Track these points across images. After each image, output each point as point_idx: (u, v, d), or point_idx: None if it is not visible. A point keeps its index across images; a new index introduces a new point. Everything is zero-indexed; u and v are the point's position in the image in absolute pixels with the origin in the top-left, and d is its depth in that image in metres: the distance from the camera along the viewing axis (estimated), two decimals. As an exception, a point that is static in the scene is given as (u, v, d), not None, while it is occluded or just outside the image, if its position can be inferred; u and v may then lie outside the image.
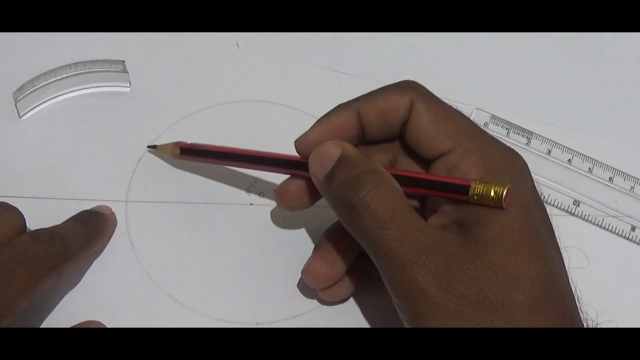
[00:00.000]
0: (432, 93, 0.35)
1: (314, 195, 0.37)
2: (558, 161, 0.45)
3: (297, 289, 0.39)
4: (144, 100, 0.45)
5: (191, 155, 0.41)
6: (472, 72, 0.48)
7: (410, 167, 0.36)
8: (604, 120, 0.47)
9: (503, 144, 0.35)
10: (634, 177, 0.44)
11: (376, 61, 0.48)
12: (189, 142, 0.41)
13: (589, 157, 0.45)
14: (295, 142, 0.36)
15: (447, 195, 0.33)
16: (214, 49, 0.47)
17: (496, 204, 0.31)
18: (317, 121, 0.36)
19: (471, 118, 0.45)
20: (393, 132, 0.35)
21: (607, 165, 0.44)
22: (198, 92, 0.45)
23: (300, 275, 0.38)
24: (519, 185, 0.33)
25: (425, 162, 0.35)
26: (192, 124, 0.44)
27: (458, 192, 0.32)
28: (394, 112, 0.34)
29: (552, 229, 0.34)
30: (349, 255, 0.37)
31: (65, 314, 0.37)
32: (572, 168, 0.45)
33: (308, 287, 0.38)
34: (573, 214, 0.44)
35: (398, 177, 0.33)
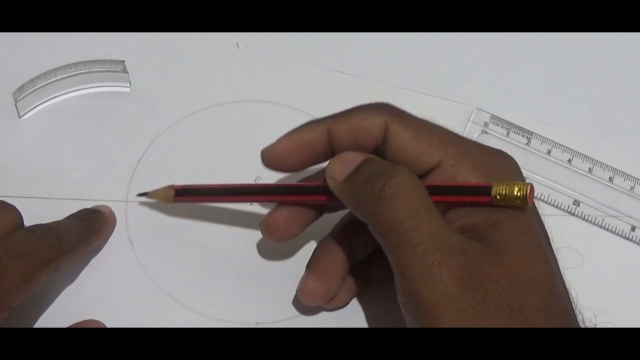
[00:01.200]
0: (406, 112, 0.35)
1: (303, 223, 0.36)
2: (558, 161, 0.45)
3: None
4: (144, 100, 0.45)
5: (187, 196, 0.39)
6: (472, 72, 0.48)
7: None
8: (604, 120, 0.47)
9: (490, 147, 0.34)
10: (634, 177, 0.44)
11: (376, 61, 0.48)
12: (182, 184, 0.39)
13: (589, 157, 0.45)
14: (261, 151, 0.36)
15: (470, 199, 0.32)
16: (214, 49, 0.47)
17: (521, 202, 0.31)
18: (286, 133, 0.35)
19: (471, 118, 0.46)
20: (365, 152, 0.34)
21: (607, 165, 0.44)
22: (198, 92, 0.45)
23: (301, 275, 0.37)
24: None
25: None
26: (192, 124, 0.44)
27: (480, 194, 0.32)
28: (366, 132, 0.34)
29: (546, 230, 0.34)
30: (344, 268, 0.36)
31: (65, 313, 0.37)
32: (572, 168, 0.45)
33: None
34: (573, 214, 0.44)
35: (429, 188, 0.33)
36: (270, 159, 0.35)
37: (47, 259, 0.34)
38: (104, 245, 0.40)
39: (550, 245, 0.34)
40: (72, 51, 0.45)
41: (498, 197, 0.31)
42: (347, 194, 0.33)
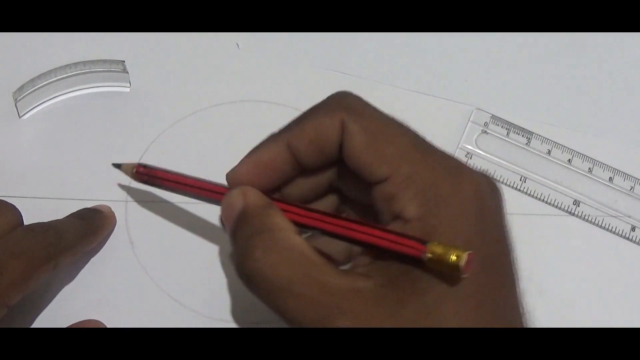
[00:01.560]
0: (366, 106, 0.31)
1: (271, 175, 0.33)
2: (558, 161, 0.45)
3: (297, 289, 0.39)
4: (144, 100, 0.45)
5: (148, 181, 0.37)
6: (472, 72, 0.48)
7: (353, 190, 0.33)
8: (604, 120, 0.47)
9: (453, 163, 0.30)
10: (634, 177, 0.44)
11: (376, 61, 0.48)
12: (149, 168, 0.38)
13: (589, 157, 0.45)
14: (226, 174, 0.33)
15: (405, 262, 0.28)
16: (214, 49, 0.47)
17: (453, 273, 0.27)
18: (247, 154, 0.32)
19: (471, 118, 0.46)
20: (331, 158, 0.31)
21: (607, 165, 0.44)
22: (198, 92, 0.45)
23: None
24: (466, 220, 0.29)
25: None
26: (192, 124, 0.44)
27: (410, 260, 0.28)
28: (326, 138, 0.30)
29: (509, 260, 0.30)
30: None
31: (65, 313, 0.37)
32: (572, 168, 0.45)
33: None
34: (573, 214, 0.44)
35: (337, 235, 0.30)
36: (234, 184, 0.32)
37: (46, 257, 0.34)
38: (104, 245, 0.40)
39: (490, 297, 0.29)
40: (72, 51, 0.45)
41: (431, 265, 0.27)
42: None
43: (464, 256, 0.27)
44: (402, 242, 0.28)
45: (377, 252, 0.30)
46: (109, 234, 0.40)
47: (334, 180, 0.33)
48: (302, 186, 0.33)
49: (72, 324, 0.37)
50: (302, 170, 0.32)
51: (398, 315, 0.27)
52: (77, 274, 0.39)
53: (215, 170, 0.42)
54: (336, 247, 0.34)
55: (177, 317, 0.38)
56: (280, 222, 0.30)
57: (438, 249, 0.27)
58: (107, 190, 0.41)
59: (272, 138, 0.32)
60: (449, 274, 0.27)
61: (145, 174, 0.37)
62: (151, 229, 0.40)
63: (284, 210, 0.31)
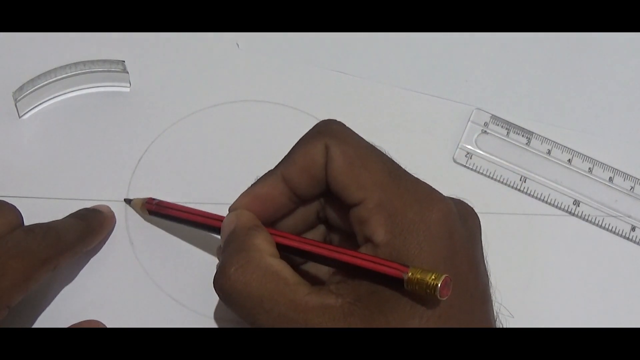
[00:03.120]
0: (348, 132, 0.33)
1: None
2: (558, 161, 0.45)
3: (297, 289, 0.39)
4: (144, 100, 0.45)
5: (159, 216, 0.39)
6: (472, 72, 0.48)
7: (337, 217, 0.34)
8: (604, 120, 0.47)
9: (423, 191, 0.31)
10: (634, 177, 0.44)
11: (376, 61, 0.48)
12: (156, 204, 0.39)
13: (589, 157, 0.45)
14: (229, 208, 0.35)
15: (381, 283, 0.30)
16: (214, 49, 0.47)
17: (431, 296, 0.28)
18: (247, 189, 0.35)
19: (471, 118, 0.46)
20: (321, 183, 0.33)
21: (607, 165, 0.44)
22: (198, 92, 0.45)
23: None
24: (430, 245, 0.30)
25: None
26: (192, 124, 0.44)
27: (392, 283, 0.29)
28: (314, 164, 0.32)
29: (480, 285, 0.31)
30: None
31: (65, 313, 0.37)
32: (572, 168, 0.45)
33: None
34: (573, 214, 0.44)
35: (320, 258, 0.32)
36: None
37: (46, 257, 0.34)
38: (103, 245, 0.40)
39: (458, 313, 0.30)
40: (72, 51, 0.45)
41: (410, 289, 0.28)
42: None
43: (442, 277, 0.28)
44: (385, 263, 0.29)
45: (349, 273, 0.31)
46: (109, 234, 0.40)
47: (320, 210, 0.35)
48: (293, 217, 0.35)
49: (73, 325, 0.37)
50: (301, 201, 0.34)
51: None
52: (77, 274, 0.39)
53: (215, 170, 0.43)
54: (321, 269, 0.36)
55: (177, 317, 0.38)
56: (260, 244, 0.32)
57: (417, 272, 0.28)
58: (107, 190, 0.41)
59: (269, 173, 0.34)
60: (425, 296, 0.28)
61: (154, 206, 0.39)
62: (151, 229, 0.40)
63: (279, 236, 0.33)
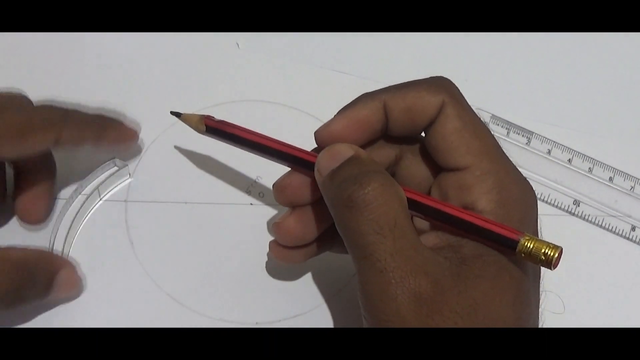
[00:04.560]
0: (463, 98, 0.33)
1: (315, 191, 0.34)
2: (558, 161, 0.45)
3: (297, 289, 0.39)
4: (144, 100, 0.45)
5: (217, 135, 0.37)
6: (472, 72, 0.48)
7: (417, 170, 0.34)
8: (604, 120, 0.47)
9: (520, 173, 0.33)
10: (634, 177, 0.44)
11: (376, 61, 0.48)
12: (215, 119, 0.38)
13: (589, 157, 0.45)
14: (315, 133, 0.33)
15: (491, 244, 0.30)
16: (214, 49, 0.47)
17: (543, 265, 0.29)
18: (340, 111, 0.33)
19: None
20: (416, 131, 0.33)
21: (607, 165, 0.44)
22: (198, 92, 0.45)
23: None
24: (526, 225, 0.31)
25: (436, 168, 0.33)
26: (192, 124, 0.44)
27: (504, 245, 0.30)
28: (423, 111, 0.32)
29: (538, 269, 0.33)
30: (324, 223, 0.34)
31: (65, 313, 0.37)
32: (572, 168, 0.45)
33: (308, 287, 0.38)
34: (573, 214, 0.44)
35: (435, 212, 0.31)
36: (325, 141, 0.33)
37: (47, 123, 0.34)
38: (103, 245, 0.40)
39: (537, 288, 0.32)
40: (72, 51, 0.45)
41: (523, 255, 0.29)
42: (325, 192, 0.32)
43: (559, 250, 0.29)
44: (502, 226, 0.30)
45: (452, 233, 0.31)
46: (128, 147, 0.40)
47: (392, 163, 0.34)
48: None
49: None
50: (382, 136, 0.34)
51: (468, 293, 0.29)
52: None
53: (215, 170, 0.43)
54: None
55: (177, 317, 0.38)
56: (390, 178, 0.31)
57: (532, 239, 0.29)
58: (107, 190, 0.41)
59: (369, 96, 0.33)
60: (535, 263, 0.29)
61: (214, 125, 0.37)
62: (151, 229, 0.40)
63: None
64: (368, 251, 0.29)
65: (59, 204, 0.40)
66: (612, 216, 0.44)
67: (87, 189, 0.41)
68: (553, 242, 0.29)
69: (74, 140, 0.36)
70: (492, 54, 0.49)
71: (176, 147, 0.43)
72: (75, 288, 0.37)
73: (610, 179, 0.44)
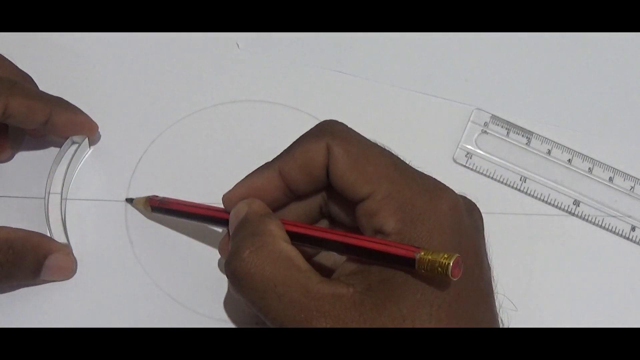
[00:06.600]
0: (350, 132, 0.33)
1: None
2: (558, 161, 0.45)
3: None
4: (144, 100, 0.45)
5: (162, 212, 0.39)
6: (472, 72, 0.48)
7: (340, 212, 0.34)
8: (604, 120, 0.47)
9: (429, 181, 0.32)
10: (634, 177, 0.44)
11: (376, 61, 0.48)
12: (158, 198, 0.40)
13: (589, 157, 0.45)
14: (222, 197, 0.35)
15: (393, 266, 0.30)
16: (214, 49, 0.47)
17: (443, 276, 0.28)
18: (241, 180, 0.35)
19: (471, 118, 0.46)
20: (319, 182, 0.33)
21: (607, 165, 0.44)
22: (198, 92, 0.45)
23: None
24: (438, 234, 0.30)
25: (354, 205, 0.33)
26: (192, 124, 0.44)
27: (404, 264, 0.29)
28: (314, 162, 0.33)
29: (484, 277, 0.31)
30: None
31: (65, 313, 0.37)
32: (572, 168, 0.45)
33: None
34: (573, 214, 0.44)
35: (333, 244, 0.32)
36: (227, 206, 0.35)
37: None
38: (104, 245, 0.40)
39: (462, 302, 0.30)
40: (72, 51, 0.45)
41: (423, 271, 0.29)
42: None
43: (454, 257, 0.28)
44: (397, 245, 0.30)
45: (360, 260, 0.31)
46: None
47: (323, 205, 0.35)
48: (295, 211, 0.35)
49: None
50: (295, 196, 0.34)
51: (375, 320, 0.29)
52: (76, 273, 0.39)
53: (214, 170, 0.43)
54: (328, 262, 0.36)
55: (177, 317, 0.38)
56: (274, 230, 0.32)
57: (429, 252, 0.28)
58: (107, 190, 0.41)
59: (265, 165, 0.34)
60: (435, 277, 0.28)
61: (157, 202, 0.39)
62: (151, 229, 0.40)
63: (289, 225, 0.33)
64: (264, 314, 0.30)
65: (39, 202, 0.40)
66: (612, 216, 0.44)
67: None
68: (447, 253, 0.28)
69: (23, 112, 0.36)
70: (492, 54, 0.49)
71: (176, 147, 0.43)
72: (66, 273, 0.38)
73: (610, 179, 0.44)
